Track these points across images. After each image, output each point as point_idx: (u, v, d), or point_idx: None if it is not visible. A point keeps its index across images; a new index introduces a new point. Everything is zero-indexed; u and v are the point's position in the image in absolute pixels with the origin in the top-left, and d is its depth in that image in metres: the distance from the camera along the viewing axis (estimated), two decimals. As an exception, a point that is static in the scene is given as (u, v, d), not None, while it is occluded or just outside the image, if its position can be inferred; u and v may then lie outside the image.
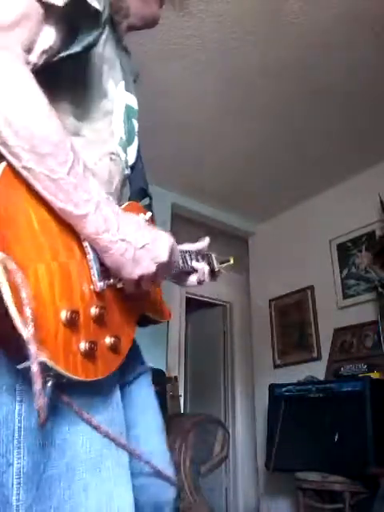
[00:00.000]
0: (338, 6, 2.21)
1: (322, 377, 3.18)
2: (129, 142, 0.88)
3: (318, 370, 3.27)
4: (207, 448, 1.99)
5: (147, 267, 0.69)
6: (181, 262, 1.01)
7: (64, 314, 0.60)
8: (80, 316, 0.62)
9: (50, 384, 0.57)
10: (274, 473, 2.97)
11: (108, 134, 0.79)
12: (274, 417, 2.96)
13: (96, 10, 0.66)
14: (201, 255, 1.16)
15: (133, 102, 0.90)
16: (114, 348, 0.68)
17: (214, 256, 1.26)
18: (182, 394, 3.69)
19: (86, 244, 0.67)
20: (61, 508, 0.62)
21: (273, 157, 3.36)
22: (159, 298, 0.92)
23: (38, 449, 0.62)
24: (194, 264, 1.09)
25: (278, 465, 2.80)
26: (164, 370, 3.11)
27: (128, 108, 0.87)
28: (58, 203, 0.61)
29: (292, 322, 3.75)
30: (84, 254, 0.67)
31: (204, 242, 1.18)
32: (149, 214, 0.87)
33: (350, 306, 3.35)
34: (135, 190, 0.97)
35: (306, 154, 3.32)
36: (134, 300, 0.77)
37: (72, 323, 0.60)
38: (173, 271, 0.78)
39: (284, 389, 2.96)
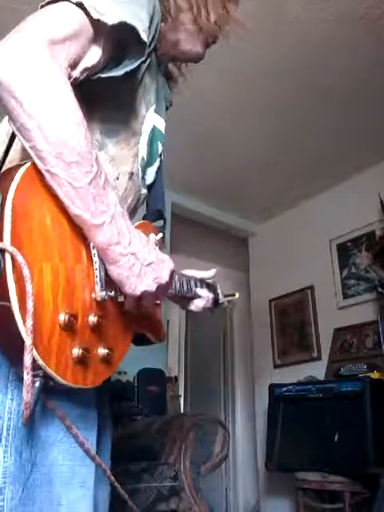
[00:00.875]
0: (338, 6, 2.21)
1: (321, 377, 3.18)
2: (149, 163, 0.90)
3: (318, 369, 3.26)
4: (207, 448, 1.99)
5: (149, 285, 0.70)
6: (185, 286, 1.05)
7: (62, 317, 0.60)
8: (78, 321, 0.63)
9: (37, 384, 0.57)
10: (273, 473, 2.97)
11: (132, 154, 0.82)
12: (273, 417, 2.96)
13: (143, 42, 0.68)
14: (206, 283, 1.18)
15: (161, 125, 0.92)
16: (106, 360, 0.68)
17: (218, 286, 1.28)
18: (182, 394, 3.69)
19: (94, 252, 0.68)
20: None
21: (273, 157, 3.36)
22: (158, 319, 0.94)
23: (25, 449, 0.62)
24: (199, 290, 1.12)
25: (277, 465, 2.80)
26: (164, 369, 3.11)
27: (155, 130, 0.89)
28: (75, 210, 0.63)
29: (292, 322, 3.75)
30: (91, 261, 0.68)
31: (210, 272, 1.20)
32: (160, 235, 0.88)
33: (350, 306, 3.35)
34: (152, 210, 0.99)
35: (306, 153, 3.32)
36: (133, 317, 0.78)
37: (69, 327, 0.61)
38: (167, 294, 0.80)
39: (284, 389, 2.96)
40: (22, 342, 0.54)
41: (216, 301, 1.23)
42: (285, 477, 3.05)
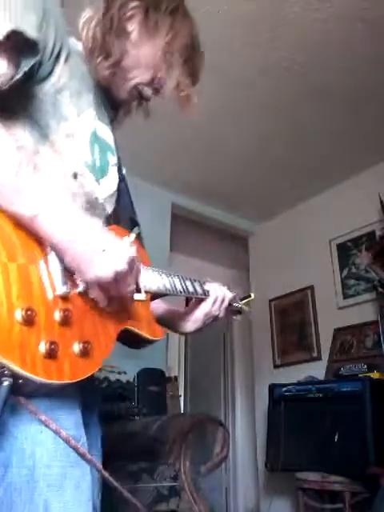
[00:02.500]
0: (338, 6, 2.21)
1: (321, 377, 3.18)
2: (101, 172, 0.88)
3: (318, 369, 3.26)
4: (207, 448, 1.99)
5: (104, 271, 0.70)
6: (179, 286, 1.01)
7: (19, 313, 0.60)
8: (38, 315, 0.62)
9: (6, 383, 0.57)
10: (274, 473, 2.97)
11: (69, 154, 0.81)
12: (273, 417, 2.96)
13: (33, 40, 0.70)
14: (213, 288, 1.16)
15: (106, 134, 0.91)
16: (84, 353, 0.67)
17: (235, 294, 1.26)
18: (182, 394, 3.69)
19: (48, 249, 0.68)
20: None
21: (273, 157, 3.36)
22: (150, 318, 0.92)
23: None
24: (207, 286, 1.10)
25: (278, 465, 2.80)
26: (164, 370, 3.11)
27: (98, 138, 0.88)
28: (8, 207, 0.64)
29: (292, 322, 3.75)
30: (46, 261, 0.68)
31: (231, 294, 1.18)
32: (132, 235, 0.87)
33: (350, 306, 3.35)
34: (124, 220, 0.98)
35: (306, 153, 3.32)
36: (115, 312, 0.78)
37: (29, 322, 0.60)
38: (133, 288, 0.78)
39: (284, 389, 2.96)
40: None
41: (233, 311, 1.24)
42: (285, 477, 3.05)
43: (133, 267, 0.75)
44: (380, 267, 3.04)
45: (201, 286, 1.09)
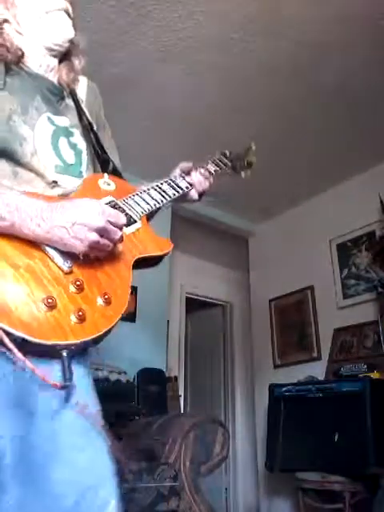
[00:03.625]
0: (338, 6, 2.21)
1: (321, 377, 3.18)
2: (77, 157, 0.97)
3: (318, 369, 3.26)
4: (207, 448, 1.99)
5: (87, 238, 0.77)
6: (170, 190, 1.10)
7: (43, 302, 0.73)
8: (59, 298, 0.75)
9: (65, 354, 0.72)
10: (274, 473, 2.97)
11: (41, 169, 0.90)
12: (273, 417, 2.96)
13: None
14: (207, 164, 1.25)
15: (64, 122, 0.99)
16: (108, 302, 0.80)
17: (224, 157, 1.34)
18: (182, 394, 3.69)
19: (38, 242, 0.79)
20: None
21: (273, 157, 3.36)
22: (152, 236, 1.00)
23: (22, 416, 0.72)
24: (188, 179, 1.17)
25: (278, 465, 2.80)
26: (164, 370, 3.11)
27: (59, 131, 0.96)
28: None
29: (292, 322, 3.75)
30: (40, 249, 0.79)
31: (187, 163, 1.20)
32: (105, 175, 1.00)
33: (350, 306, 3.35)
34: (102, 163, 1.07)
35: (306, 153, 3.32)
36: (118, 253, 0.88)
37: (52, 306, 0.73)
38: (123, 224, 0.84)
39: (284, 389, 2.96)
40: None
41: (234, 168, 1.33)
42: (285, 477, 3.05)
43: (107, 217, 0.80)
44: (380, 267, 3.04)
45: (183, 179, 1.16)
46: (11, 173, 0.87)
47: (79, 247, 0.78)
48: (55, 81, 1.02)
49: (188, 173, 1.18)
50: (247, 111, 2.92)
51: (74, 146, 0.98)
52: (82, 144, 1.00)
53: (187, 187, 1.15)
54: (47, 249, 0.79)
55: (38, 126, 0.93)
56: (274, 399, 3.01)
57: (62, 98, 1.02)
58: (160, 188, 1.08)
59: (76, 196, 0.91)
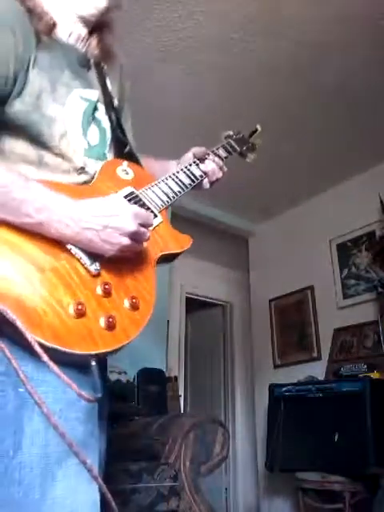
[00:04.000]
0: (338, 6, 2.21)
1: (321, 377, 3.18)
2: (101, 136, 0.92)
3: (317, 369, 3.26)
4: (207, 448, 1.99)
5: (119, 242, 0.75)
6: (187, 180, 1.06)
7: (72, 308, 0.70)
8: (87, 303, 0.71)
9: (93, 363, 0.68)
10: (274, 473, 2.97)
11: (70, 153, 0.85)
12: (273, 417, 2.96)
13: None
14: (218, 150, 1.21)
15: (93, 95, 0.93)
16: (135, 307, 0.78)
17: (232, 140, 1.30)
18: (182, 394, 3.69)
19: (64, 242, 0.75)
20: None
21: (273, 157, 3.36)
22: (172, 232, 0.97)
23: (8, 435, 0.66)
24: (203, 168, 1.12)
25: (278, 465, 2.80)
26: (164, 370, 3.11)
27: (90, 107, 0.90)
28: (16, 220, 0.71)
29: (292, 322, 3.75)
30: (67, 250, 0.75)
31: (201, 149, 1.18)
32: (125, 162, 0.95)
33: (349, 306, 3.34)
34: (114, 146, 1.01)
35: (306, 153, 3.32)
36: (141, 253, 0.85)
37: (82, 313, 0.70)
38: (150, 224, 0.83)
39: (284, 389, 2.96)
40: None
41: (241, 153, 1.29)
42: (285, 477, 3.05)
43: (140, 221, 0.77)
44: (380, 267, 3.04)
45: (197, 167, 1.13)
46: (36, 158, 0.82)
47: (109, 251, 0.76)
48: (84, 51, 0.97)
49: (201, 159, 1.15)
50: (247, 111, 2.92)
51: (98, 124, 0.93)
52: (105, 122, 0.96)
53: (201, 176, 1.12)
54: (73, 249, 0.75)
55: (69, 104, 0.86)
56: (273, 399, 3.01)
57: (89, 69, 0.97)
58: (177, 177, 1.05)
59: (95, 185, 0.87)
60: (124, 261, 0.80)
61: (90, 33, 0.99)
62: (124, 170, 0.94)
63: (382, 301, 2.99)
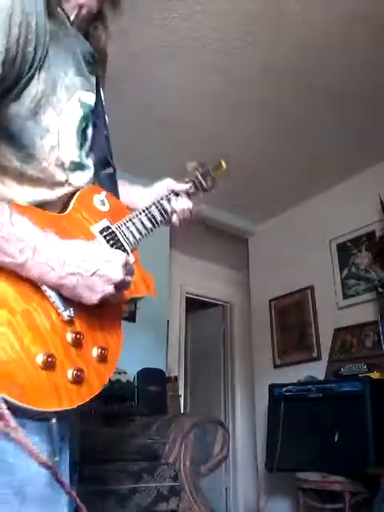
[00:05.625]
0: (338, 6, 2.20)
1: (321, 377, 3.18)
2: (85, 145, 0.86)
3: (317, 370, 3.26)
4: (207, 448, 1.99)
5: (103, 290, 0.70)
6: (159, 217, 1.02)
7: (40, 359, 0.63)
8: (56, 354, 0.65)
9: (54, 421, 0.64)
10: (274, 473, 2.97)
11: (56, 167, 0.79)
12: (273, 417, 2.96)
13: None
14: (185, 183, 1.13)
15: (91, 99, 0.85)
16: (103, 359, 0.72)
17: (198, 173, 1.18)
18: (182, 394, 3.69)
19: (39, 283, 0.68)
20: None
21: (273, 157, 3.36)
22: (142, 273, 0.92)
23: None
24: (173, 204, 1.08)
25: (278, 465, 2.80)
26: (164, 370, 3.11)
27: (86, 115, 0.84)
28: None
29: (292, 322, 3.75)
30: (41, 291, 0.68)
31: (165, 182, 1.13)
32: (103, 192, 0.89)
33: (349, 306, 3.35)
34: (99, 158, 0.93)
35: (306, 153, 3.32)
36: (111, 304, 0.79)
37: (50, 366, 0.64)
38: (130, 282, 0.77)
39: (284, 389, 2.96)
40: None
41: (205, 189, 1.18)
42: (285, 477, 3.05)
43: (128, 271, 0.74)
44: (380, 267, 3.04)
45: (168, 203, 1.07)
46: (19, 170, 0.75)
47: (90, 298, 0.70)
48: (91, 46, 0.90)
49: (176, 194, 1.10)
50: (247, 111, 2.92)
51: (87, 135, 0.87)
52: (90, 129, 0.88)
53: (171, 212, 1.08)
54: (48, 291, 0.68)
55: (66, 112, 0.79)
56: (273, 399, 3.01)
57: (92, 69, 0.90)
58: (150, 213, 1.00)
59: (70, 216, 0.81)
60: (94, 307, 0.73)
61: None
62: (101, 200, 0.88)
63: (382, 301, 2.99)
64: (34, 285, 0.68)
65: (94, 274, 0.69)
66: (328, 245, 3.60)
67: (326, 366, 3.27)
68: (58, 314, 0.68)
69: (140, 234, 0.94)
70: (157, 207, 1.03)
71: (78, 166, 0.83)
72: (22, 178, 0.76)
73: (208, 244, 4.20)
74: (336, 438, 2.51)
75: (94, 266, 0.69)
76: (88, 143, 0.87)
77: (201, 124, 3.02)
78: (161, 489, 1.81)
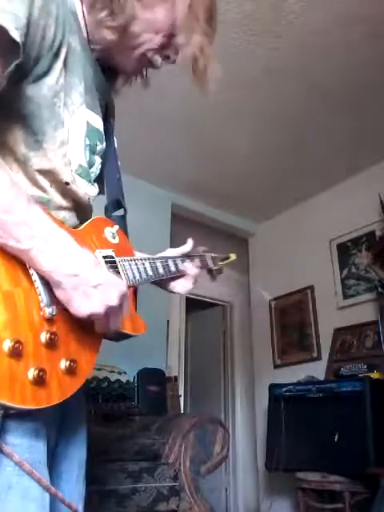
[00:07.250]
0: (338, 6, 2.21)
1: (322, 377, 3.18)
2: (90, 164, 0.85)
3: (317, 370, 3.27)
4: (207, 448, 1.99)
5: (96, 307, 0.67)
6: (162, 270, 1.01)
7: (7, 344, 0.59)
8: (25, 345, 0.61)
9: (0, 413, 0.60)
10: (273, 473, 2.97)
11: (62, 163, 0.77)
12: (273, 417, 2.96)
13: (15, 42, 0.63)
14: (191, 258, 1.13)
15: (95, 121, 0.86)
16: (70, 372, 0.67)
17: (208, 256, 1.22)
18: (182, 394, 3.69)
19: (31, 271, 0.66)
20: None
21: (273, 157, 3.36)
22: (132, 313, 0.89)
23: None
24: (183, 266, 1.07)
25: (278, 465, 2.80)
26: (164, 370, 3.11)
27: (89, 132, 0.84)
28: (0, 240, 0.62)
29: (292, 322, 3.75)
30: (31, 281, 0.66)
31: (188, 245, 1.14)
32: (116, 226, 0.89)
33: (350, 306, 3.35)
34: (111, 201, 0.95)
35: (306, 154, 3.32)
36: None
37: (17, 354, 0.60)
38: (120, 321, 0.75)
39: (284, 389, 2.96)
40: None
41: (210, 270, 1.21)
42: (285, 477, 3.05)
43: (124, 304, 0.72)
44: (380, 267, 3.04)
45: (174, 265, 1.06)
46: (22, 157, 0.73)
47: (79, 308, 0.67)
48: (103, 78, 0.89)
49: (181, 259, 1.09)
50: (247, 111, 2.92)
51: (95, 152, 0.87)
52: (97, 158, 0.88)
53: (174, 273, 1.06)
54: (37, 281, 0.66)
55: (77, 116, 0.79)
56: (274, 399, 3.01)
57: (102, 102, 0.90)
58: (154, 264, 0.99)
59: (80, 234, 0.80)
60: (78, 321, 0.70)
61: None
62: (112, 233, 0.88)
63: (382, 301, 2.99)
64: (25, 269, 0.65)
65: (96, 286, 0.67)
66: (328, 245, 3.60)
67: (326, 366, 3.27)
68: (40, 310, 0.66)
69: (140, 275, 0.93)
70: (161, 262, 1.02)
71: (85, 173, 0.83)
72: (25, 164, 0.73)
73: (208, 244, 4.18)
74: (336, 438, 2.51)
75: (98, 280, 0.67)
76: (95, 170, 0.87)
77: (201, 124, 3.02)
78: (161, 489, 1.81)
